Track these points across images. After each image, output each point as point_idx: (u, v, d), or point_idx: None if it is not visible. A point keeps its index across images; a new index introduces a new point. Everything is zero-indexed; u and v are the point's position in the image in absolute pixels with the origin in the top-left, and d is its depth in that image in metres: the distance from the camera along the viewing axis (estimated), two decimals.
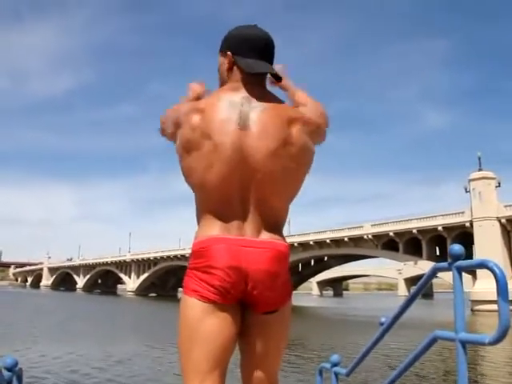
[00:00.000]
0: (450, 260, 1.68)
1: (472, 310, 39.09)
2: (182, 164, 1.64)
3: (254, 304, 1.58)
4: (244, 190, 1.58)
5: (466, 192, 46.26)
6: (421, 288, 1.86)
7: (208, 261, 1.54)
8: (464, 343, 1.58)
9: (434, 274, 1.79)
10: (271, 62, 1.72)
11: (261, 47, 1.69)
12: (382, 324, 2.06)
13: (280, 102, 1.69)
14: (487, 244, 41.59)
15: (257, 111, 1.59)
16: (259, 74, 1.68)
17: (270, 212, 1.60)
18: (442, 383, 9.76)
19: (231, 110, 1.59)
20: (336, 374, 2.46)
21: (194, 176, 1.61)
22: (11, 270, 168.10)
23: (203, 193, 1.62)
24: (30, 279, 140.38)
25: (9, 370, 2.03)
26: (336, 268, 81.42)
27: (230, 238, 1.55)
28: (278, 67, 1.74)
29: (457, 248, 1.66)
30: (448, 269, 1.68)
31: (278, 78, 1.73)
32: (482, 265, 1.57)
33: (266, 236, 1.58)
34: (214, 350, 1.54)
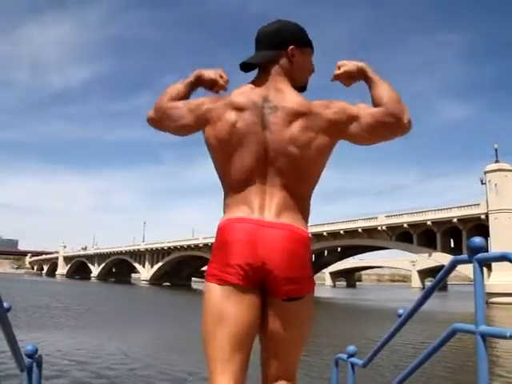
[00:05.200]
0: (470, 252, 1.66)
1: (487, 303, 38.76)
2: (217, 156, 1.72)
3: (274, 287, 1.58)
4: (264, 178, 1.66)
5: (482, 184, 45.80)
6: (440, 281, 1.84)
7: (225, 237, 1.61)
8: (484, 336, 1.57)
9: (453, 266, 1.77)
10: (264, 49, 1.76)
11: (256, 38, 1.80)
12: (400, 316, 2.06)
13: (290, 91, 1.73)
14: (503, 236, 41.15)
15: (273, 111, 1.67)
16: (262, 65, 1.77)
17: (288, 200, 1.64)
18: (460, 375, 9.69)
19: (254, 111, 1.67)
20: (352, 365, 2.46)
21: (225, 168, 1.70)
22: (27, 259, 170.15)
23: (230, 182, 1.69)
24: (45, 268, 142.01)
25: (29, 356, 2.06)
26: (349, 259, 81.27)
27: (249, 218, 1.61)
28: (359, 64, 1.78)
29: (478, 240, 1.65)
30: (468, 261, 1.66)
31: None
32: (504, 257, 1.55)
33: (285, 220, 1.61)
34: (234, 334, 1.55)
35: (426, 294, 1.91)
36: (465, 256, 1.68)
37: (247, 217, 1.61)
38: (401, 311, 2.10)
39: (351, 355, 2.47)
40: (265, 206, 1.63)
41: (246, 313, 1.57)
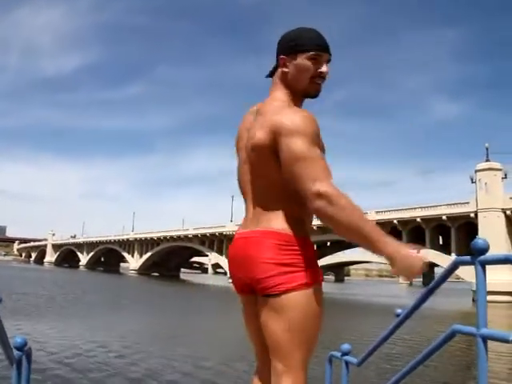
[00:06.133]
0: (472, 254, 1.64)
1: (473, 301, 39.17)
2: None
3: (254, 289, 1.67)
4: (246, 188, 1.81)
5: (472, 182, 46.10)
6: (441, 281, 1.82)
7: None
8: (485, 339, 1.55)
9: (455, 267, 1.74)
10: (276, 60, 1.82)
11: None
12: (398, 315, 2.03)
13: (273, 101, 1.75)
14: (491, 235, 41.38)
15: (256, 117, 1.76)
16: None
17: (262, 207, 1.72)
18: (458, 377, 9.69)
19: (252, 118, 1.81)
20: (347, 363, 2.43)
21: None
22: (15, 246, 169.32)
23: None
24: (33, 255, 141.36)
25: (18, 349, 2.01)
26: (338, 253, 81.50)
27: (239, 231, 1.78)
28: None
29: (481, 242, 1.62)
30: (471, 263, 1.63)
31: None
32: (508, 260, 1.52)
33: (261, 227, 1.68)
34: (253, 344, 1.79)
35: (426, 295, 1.88)
36: (467, 257, 1.65)
37: (239, 229, 1.79)
38: (399, 311, 2.07)
39: (345, 353, 2.45)
40: (249, 215, 1.76)
41: (250, 321, 1.78)
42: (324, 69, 1.75)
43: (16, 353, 1.97)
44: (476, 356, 1.56)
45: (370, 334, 13.53)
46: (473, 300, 39.60)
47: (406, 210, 52.08)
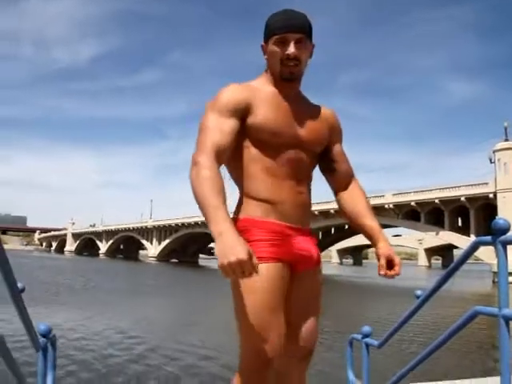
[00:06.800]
0: (492, 234, 1.62)
1: (494, 282, 38.86)
2: None
3: None
4: None
5: (491, 163, 45.43)
6: (461, 262, 1.81)
7: None
8: (508, 320, 1.54)
9: (475, 248, 1.73)
10: None
11: None
12: (418, 297, 2.02)
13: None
14: (511, 216, 40.98)
15: None
16: None
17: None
18: (480, 358, 9.62)
19: None
20: (367, 346, 2.44)
21: None
22: (36, 236, 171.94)
23: None
24: (54, 244, 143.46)
25: (44, 336, 2.05)
26: (356, 236, 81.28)
27: None
28: None
29: (502, 222, 1.60)
30: (491, 243, 1.62)
31: None
32: None
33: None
34: None
35: (446, 276, 1.87)
36: (488, 237, 1.63)
37: None
38: (419, 292, 2.07)
39: (366, 335, 2.45)
40: None
41: None
42: (290, 50, 1.68)
43: (41, 340, 2.01)
44: (498, 337, 1.55)
45: (389, 317, 13.53)
46: (493, 282, 39.28)
47: (423, 191, 51.53)
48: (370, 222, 1.82)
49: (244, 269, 1.34)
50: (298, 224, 1.74)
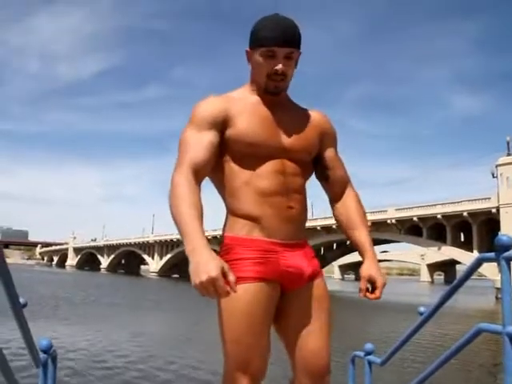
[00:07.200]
0: (495, 250, 1.61)
1: (497, 298, 38.58)
2: None
3: None
4: None
5: (494, 177, 45.38)
6: (464, 278, 1.79)
7: None
8: None
9: (479, 264, 1.72)
10: None
11: None
12: (421, 314, 2.01)
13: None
14: None
15: None
16: None
17: None
18: (483, 377, 9.51)
19: None
20: (370, 363, 2.42)
21: None
22: (38, 250, 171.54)
23: None
24: (55, 259, 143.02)
25: (44, 352, 2.03)
26: (357, 252, 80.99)
27: None
28: None
29: (505, 238, 1.60)
30: (495, 260, 1.61)
31: None
32: None
33: None
34: None
35: (450, 292, 1.86)
36: (491, 254, 1.63)
37: None
38: (422, 309, 2.05)
39: (368, 353, 2.43)
40: None
41: None
42: (279, 66, 1.59)
43: (42, 355, 1.99)
44: (502, 355, 1.54)
45: (392, 333, 13.42)
46: (496, 298, 38.99)
47: (426, 206, 51.47)
48: (360, 236, 1.73)
49: (217, 287, 1.26)
50: (288, 239, 1.63)
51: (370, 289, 1.66)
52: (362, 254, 1.72)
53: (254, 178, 1.61)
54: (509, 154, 44.78)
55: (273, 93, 1.66)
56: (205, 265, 1.29)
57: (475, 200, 47.42)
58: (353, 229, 1.74)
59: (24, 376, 6.81)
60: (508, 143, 45.27)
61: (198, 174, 1.51)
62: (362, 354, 2.49)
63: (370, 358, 2.41)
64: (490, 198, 45.62)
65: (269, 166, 1.62)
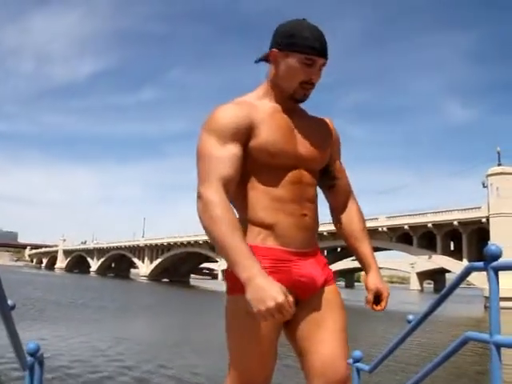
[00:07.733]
0: (484, 260, 1.63)
1: (485, 307, 38.77)
2: None
3: None
4: None
5: (484, 187, 45.77)
6: (453, 287, 1.80)
7: None
8: (499, 346, 1.53)
9: (467, 273, 1.73)
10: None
11: None
12: (409, 322, 2.02)
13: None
14: (504, 241, 40.96)
15: None
16: None
17: None
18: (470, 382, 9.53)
19: None
20: (358, 370, 2.42)
21: None
22: (27, 252, 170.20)
23: None
24: (44, 261, 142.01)
25: (31, 355, 2.02)
26: (348, 259, 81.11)
27: None
28: None
29: (494, 248, 1.61)
30: (483, 269, 1.62)
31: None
32: None
33: None
34: None
35: (438, 301, 1.86)
36: (480, 263, 1.64)
37: None
38: (411, 317, 2.06)
39: (357, 360, 2.43)
40: None
41: None
42: (316, 76, 1.61)
43: (29, 358, 1.97)
44: (489, 364, 1.55)
45: (381, 341, 13.43)
46: (485, 306, 39.20)
47: (417, 215, 51.79)
48: (364, 247, 1.77)
49: (282, 311, 1.28)
50: (302, 248, 1.62)
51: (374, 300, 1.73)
52: (365, 266, 1.77)
53: (271, 186, 1.60)
54: (499, 165, 45.17)
55: (298, 100, 1.66)
56: (269, 291, 1.29)
57: (466, 209, 47.79)
58: (356, 240, 1.78)
59: (11, 378, 6.75)
60: (499, 154, 45.75)
61: (228, 191, 1.48)
62: (350, 361, 2.50)
63: (359, 365, 2.41)
64: (480, 208, 45.98)
65: (287, 176, 1.61)
